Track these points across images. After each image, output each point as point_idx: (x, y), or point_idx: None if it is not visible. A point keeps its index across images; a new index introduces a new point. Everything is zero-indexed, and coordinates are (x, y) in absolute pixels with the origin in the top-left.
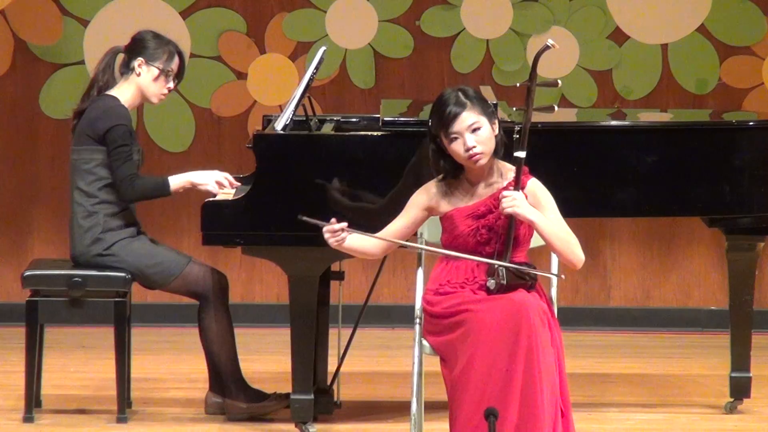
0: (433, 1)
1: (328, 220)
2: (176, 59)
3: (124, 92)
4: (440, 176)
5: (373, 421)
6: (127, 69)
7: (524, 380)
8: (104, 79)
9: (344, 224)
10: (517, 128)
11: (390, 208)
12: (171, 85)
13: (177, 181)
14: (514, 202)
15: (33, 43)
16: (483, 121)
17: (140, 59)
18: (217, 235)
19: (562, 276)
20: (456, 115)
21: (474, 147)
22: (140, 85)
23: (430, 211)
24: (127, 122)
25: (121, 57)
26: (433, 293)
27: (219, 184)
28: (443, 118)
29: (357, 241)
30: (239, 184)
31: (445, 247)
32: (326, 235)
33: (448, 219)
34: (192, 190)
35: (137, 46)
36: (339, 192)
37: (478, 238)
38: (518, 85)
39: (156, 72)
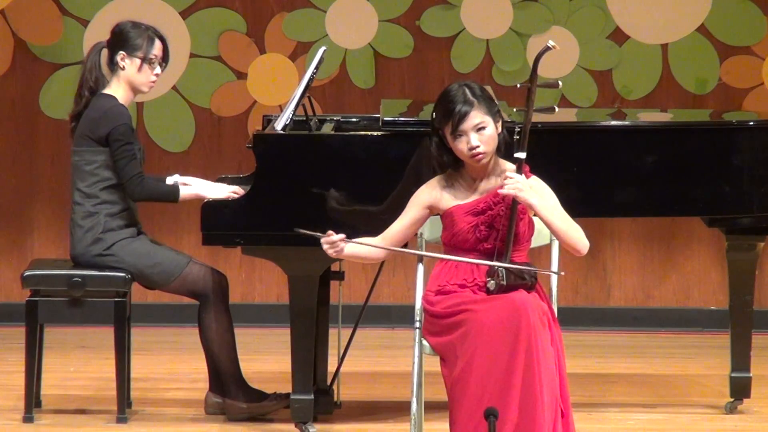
0: (433, 1)
1: (325, 230)
2: (157, 43)
3: (117, 89)
4: (440, 173)
5: (373, 421)
6: (113, 65)
7: (524, 380)
8: (93, 77)
9: (342, 235)
10: (517, 129)
11: (390, 208)
12: (158, 70)
13: (186, 192)
14: (517, 185)
15: (33, 43)
16: (488, 120)
17: (121, 53)
18: (217, 235)
19: (562, 272)
20: (464, 115)
21: (478, 147)
22: (127, 78)
23: (431, 210)
24: (128, 120)
25: (105, 52)
26: (434, 293)
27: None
28: (450, 115)
29: (356, 249)
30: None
31: (445, 244)
32: (324, 246)
33: (447, 216)
34: None
35: (117, 40)
36: (339, 192)
37: (478, 234)
38: (518, 86)
39: (138, 62)
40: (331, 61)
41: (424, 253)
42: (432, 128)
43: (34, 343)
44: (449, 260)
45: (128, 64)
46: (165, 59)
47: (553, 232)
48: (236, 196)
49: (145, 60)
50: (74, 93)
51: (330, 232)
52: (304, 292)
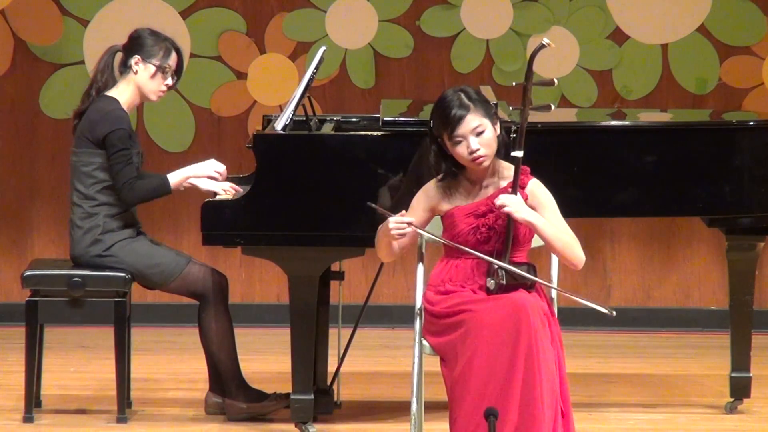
0: (433, 1)
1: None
2: (173, 55)
3: (122, 92)
4: (440, 176)
5: (373, 421)
6: (125, 68)
7: (524, 380)
8: (103, 78)
9: (413, 219)
10: (514, 128)
11: (390, 208)
12: (169, 81)
13: (176, 178)
14: (510, 207)
15: (33, 43)
16: (486, 123)
17: (137, 57)
18: (217, 235)
19: (613, 313)
20: (460, 119)
21: (478, 150)
22: (138, 84)
23: (432, 212)
24: (126, 125)
25: (119, 56)
26: (434, 292)
27: (213, 178)
28: (447, 120)
29: (407, 239)
30: (240, 189)
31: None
32: (391, 225)
33: (448, 217)
34: (192, 190)
35: (134, 44)
36: (339, 192)
37: (478, 236)
38: (514, 84)
39: (153, 69)
40: (331, 61)
41: (482, 255)
42: (430, 136)
43: (34, 343)
44: (449, 259)
45: (141, 69)
46: (178, 72)
47: (549, 247)
48: (221, 179)
49: (159, 68)
50: (73, 92)
51: (403, 212)
52: (304, 292)
